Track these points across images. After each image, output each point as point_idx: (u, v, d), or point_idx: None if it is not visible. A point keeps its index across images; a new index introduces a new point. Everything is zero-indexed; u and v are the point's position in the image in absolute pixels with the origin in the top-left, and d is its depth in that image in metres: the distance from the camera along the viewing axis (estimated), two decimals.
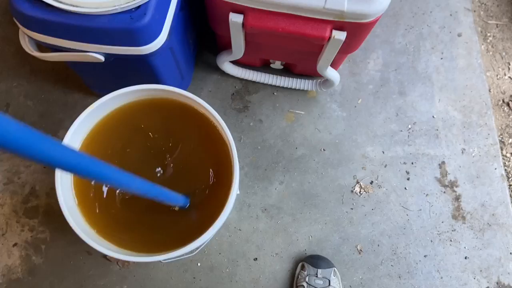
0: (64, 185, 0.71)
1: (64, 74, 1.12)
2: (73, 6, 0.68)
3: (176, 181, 0.77)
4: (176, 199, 0.69)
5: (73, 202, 0.73)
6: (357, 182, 1.10)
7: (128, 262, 1.01)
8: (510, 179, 1.15)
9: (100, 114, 0.77)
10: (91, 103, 0.73)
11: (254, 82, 1.15)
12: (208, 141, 0.79)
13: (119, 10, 0.69)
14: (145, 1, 0.70)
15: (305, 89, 1.13)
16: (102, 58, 0.78)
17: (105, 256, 1.01)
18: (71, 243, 1.02)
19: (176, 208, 0.76)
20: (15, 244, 1.03)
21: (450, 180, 1.11)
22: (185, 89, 1.12)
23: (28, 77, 1.13)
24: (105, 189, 0.76)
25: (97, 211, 0.74)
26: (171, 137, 0.80)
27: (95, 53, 0.77)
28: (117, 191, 0.76)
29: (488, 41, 1.25)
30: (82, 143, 0.76)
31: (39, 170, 1.07)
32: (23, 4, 0.69)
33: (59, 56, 0.80)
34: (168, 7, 0.77)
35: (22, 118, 1.10)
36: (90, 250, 1.02)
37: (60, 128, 1.09)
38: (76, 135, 0.73)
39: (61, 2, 0.68)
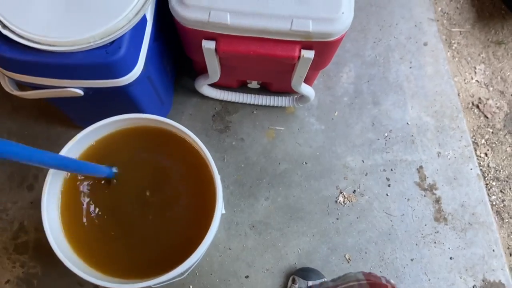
0: (51, 219, 0.72)
1: (46, 109, 1.14)
2: (50, 45, 0.71)
3: (163, 206, 0.79)
4: (101, 170, 0.74)
5: (61, 235, 0.74)
6: (340, 192, 1.13)
7: None
8: (486, 178, 1.20)
9: (83, 146, 0.79)
10: (74, 135, 0.75)
11: (233, 102, 1.19)
12: (191, 165, 0.81)
13: (94, 46, 0.72)
14: (119, 36, 0.73)
15: (282, 105, 1.17)
16: (81, 92, 0.81)
17: (97, 286, 1.01)
18: (62, 275, 1.03)
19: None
20: (7, 281, 1.03)
21: (429, 184, 1.14)
22: (166, 114, 1.16)
23: (11, 115, 1.14)
24: (93, 213, 0.77)
25: (85, 241, 0.75)
26: (155, 163, 0.82)
27: (74, 88, 0.79)
28: (95, 214, 0.77)
29: (453, 48, 1.31)
30: (69, 175, 0.78)
31: (26, 205, 1.08)
32: (1, 46, 0.71)
33: (40, 94, 0.82)
34: (142, 39, 0.80)
35: None
36: (81, 281, 1.02)
37: None
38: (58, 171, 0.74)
39: (38, 43, 0.70)
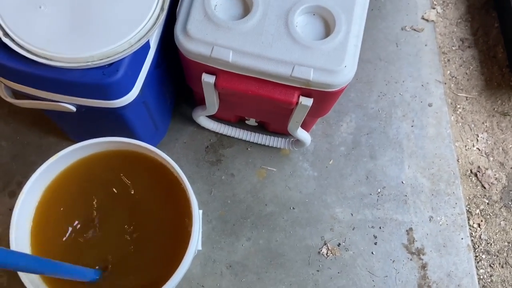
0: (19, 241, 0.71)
1: (41, 118, 1.14)
2: (48, 59, 0.71)
3: (136, 239, 0.77)
4: (84, 274, 0.69)
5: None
6: (325, 244, 1.10)
7: None
8: (476, 250, 1.16)
9: (63, 164, 0.78)
10: (65, 148, 0.75)
11: (229, 136, 1.18)
12: (172, 198, 0.80)
13: (92, 66, 0.72)
14: (118, 59, 0.73)
15: (277, 146, 1.16)
16: (73, 109, 0.80)
17: None
18: None
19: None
20: None
21: (417, 248, 1.11)
22: (159, 140, 1.15)
23: (5, 118, 1.14)
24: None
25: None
26: (135, 190, 0.80)
27: (67, 103, 0.79)
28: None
29: (458, 112, 1.30)
30: (43, 192, 0.77)
31: (5, 212, 1.06)
32: (0, 54, 0.71)
33: (33, 104, 0.82)
34: (142, 65, 0.80)
35: None
36: None
37: (30, 170, 1.06)
38: (37, 184, 0.74)
39: (36, 55, 0.71)
